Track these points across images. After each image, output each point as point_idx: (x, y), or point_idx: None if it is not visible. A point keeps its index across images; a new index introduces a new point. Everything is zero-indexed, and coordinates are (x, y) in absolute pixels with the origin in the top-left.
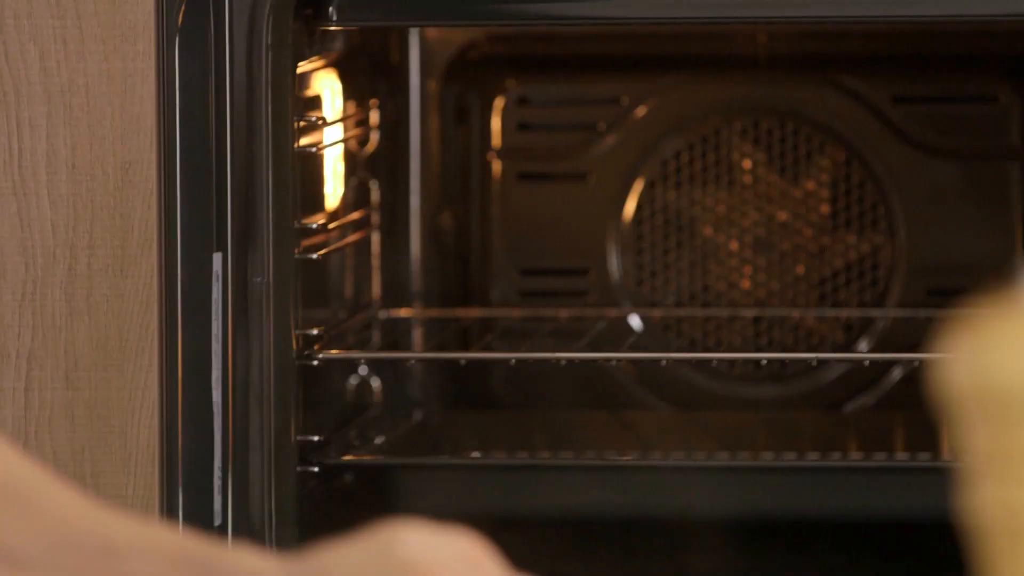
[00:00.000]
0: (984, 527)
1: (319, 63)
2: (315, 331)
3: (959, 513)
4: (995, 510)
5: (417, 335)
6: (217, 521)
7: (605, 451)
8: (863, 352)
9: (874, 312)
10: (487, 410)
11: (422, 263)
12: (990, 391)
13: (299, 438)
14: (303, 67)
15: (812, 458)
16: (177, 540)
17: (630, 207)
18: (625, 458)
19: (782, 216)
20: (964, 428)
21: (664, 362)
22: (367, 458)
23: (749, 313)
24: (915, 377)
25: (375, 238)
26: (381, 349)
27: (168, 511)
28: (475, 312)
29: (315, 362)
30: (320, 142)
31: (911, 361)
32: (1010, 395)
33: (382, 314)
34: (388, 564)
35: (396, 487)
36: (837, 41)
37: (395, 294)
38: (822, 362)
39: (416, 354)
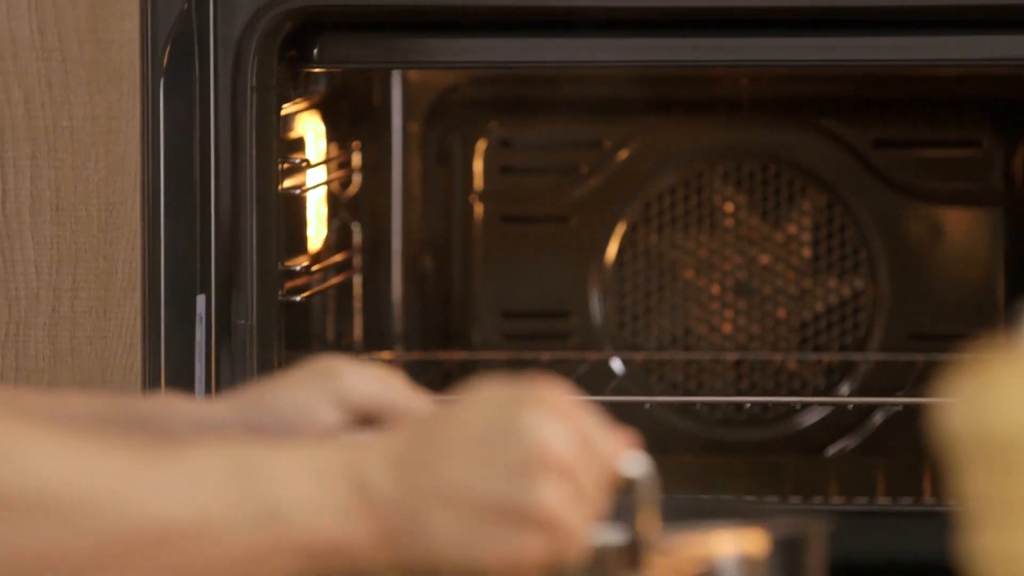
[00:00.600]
0: (983, 573)
1: (302, 105)
2: None
3: (957, 558)
4: (994, 556)
5: None
6: None
7: None
8: (845, 396)
9: (856, 356)
10: None
11: (404, 305)
12: (990, 437)
13: None
14: (287, 109)
15: (794, 502)
16: (106, 400)
17: (612, 250)
18: None
19: (764, 259)
20: (963, 473)
21: (647, 405)
22: None
23: (731, 356)
24: (897, 421)
25: (357, 280)
26: None
27: None
28: (457, 355)
29: None
30: (303, 184)
31: (893, 405)
32: (1010, 441)
33: (364, 357)
34: (326, 391)
35: None
36: (819, 85)
37: (377, 337)
38: (804, 405)
39: None
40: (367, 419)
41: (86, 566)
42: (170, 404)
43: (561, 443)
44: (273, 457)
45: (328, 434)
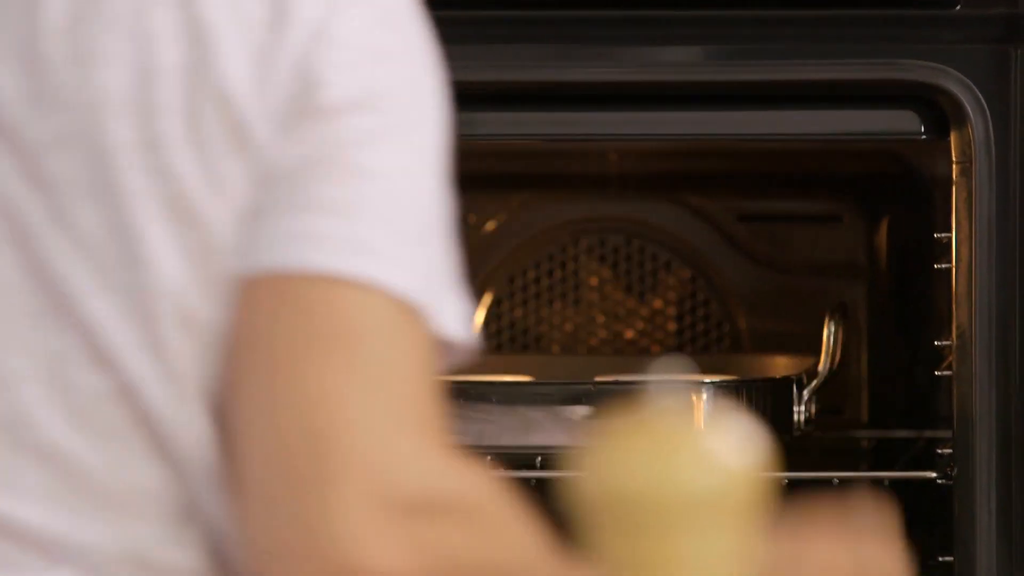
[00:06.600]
0: None
1: None
2: None
3: None
4: None
5: None
6: None
7: None
8: None
9: None
10: None
11: None
12: (619, 499)
13: None
14: None
15: None
16: None
17: (476, 323)
18: None
19: (629, 334)
20: (596, 537)
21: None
22: None
23: None
24: None
25: None
26: None
27: None
28: None
29: None
30: None
31: None
32: (637, 502)
33: None
34: None
35: None
36: (684, 160)
37: None
38: None
39: None
40: None
41: None
42: None
43: None
44: None
45: None
